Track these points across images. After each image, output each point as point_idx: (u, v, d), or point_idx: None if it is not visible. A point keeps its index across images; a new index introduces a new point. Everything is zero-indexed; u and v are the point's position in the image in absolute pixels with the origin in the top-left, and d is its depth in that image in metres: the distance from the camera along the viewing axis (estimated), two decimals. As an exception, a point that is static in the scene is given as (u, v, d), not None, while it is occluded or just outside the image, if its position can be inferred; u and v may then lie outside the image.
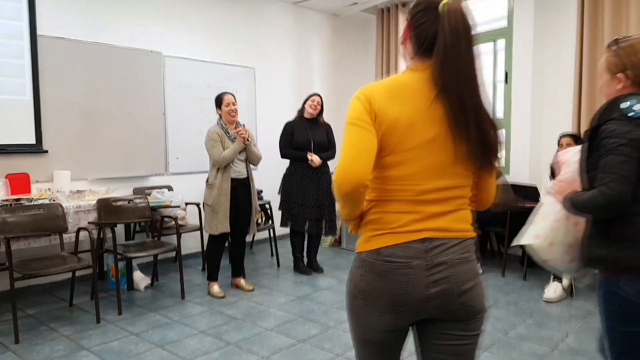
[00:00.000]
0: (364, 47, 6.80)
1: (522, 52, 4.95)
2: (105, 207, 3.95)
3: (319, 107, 4.58)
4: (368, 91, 1.30)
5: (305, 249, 4.77)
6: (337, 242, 5.94)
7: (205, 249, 4.92)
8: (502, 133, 1.37)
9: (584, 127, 4.39)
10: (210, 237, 4.04)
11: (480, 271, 4.26)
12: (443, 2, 1.24)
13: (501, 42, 5.24)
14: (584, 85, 4.43)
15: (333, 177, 1.29)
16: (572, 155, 1.82)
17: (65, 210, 3.73)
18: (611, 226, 1.58)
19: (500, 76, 5.27)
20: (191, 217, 4.98)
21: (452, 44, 1.22)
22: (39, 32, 4.14)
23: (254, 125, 5.72)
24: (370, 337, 1.38)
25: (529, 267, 4.33)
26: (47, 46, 4.21)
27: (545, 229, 1.85)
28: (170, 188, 4.98)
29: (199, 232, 4.91)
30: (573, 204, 1.67)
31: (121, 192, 4.49)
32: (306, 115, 4.58)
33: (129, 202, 4.12)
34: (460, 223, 1.33)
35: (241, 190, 4.03)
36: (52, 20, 4.23)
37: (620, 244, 1.56)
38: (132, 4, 4.76)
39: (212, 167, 3.97)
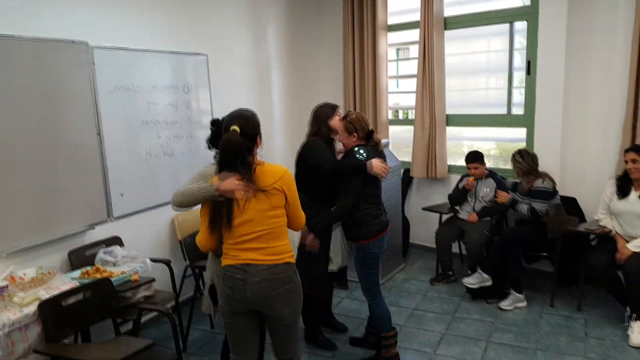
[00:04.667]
0: (321, 27, 5.52)
1: (551, 37, 4.12)
2: (53, 315, 2.44)
3: None
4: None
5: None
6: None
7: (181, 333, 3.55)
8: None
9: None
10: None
11: (525, 303, 3.63)
12: (232, 128, 2.19)
13: (520, 24, 4.40)
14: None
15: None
16: None
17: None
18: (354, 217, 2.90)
19: (518, 63, 4.46)
20: (158, 278, 3.48)
21: (226, 140, 2.19)
22: None
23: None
24: (225, 320, 2.29)
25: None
26: None
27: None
28: (118, 240, 3.47)
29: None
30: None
31: (56, 267, 2.92)
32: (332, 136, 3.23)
33: (84, 296, 2.63)
34: (269, 255, 2.20)
35: None
36: None
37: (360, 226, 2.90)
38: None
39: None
